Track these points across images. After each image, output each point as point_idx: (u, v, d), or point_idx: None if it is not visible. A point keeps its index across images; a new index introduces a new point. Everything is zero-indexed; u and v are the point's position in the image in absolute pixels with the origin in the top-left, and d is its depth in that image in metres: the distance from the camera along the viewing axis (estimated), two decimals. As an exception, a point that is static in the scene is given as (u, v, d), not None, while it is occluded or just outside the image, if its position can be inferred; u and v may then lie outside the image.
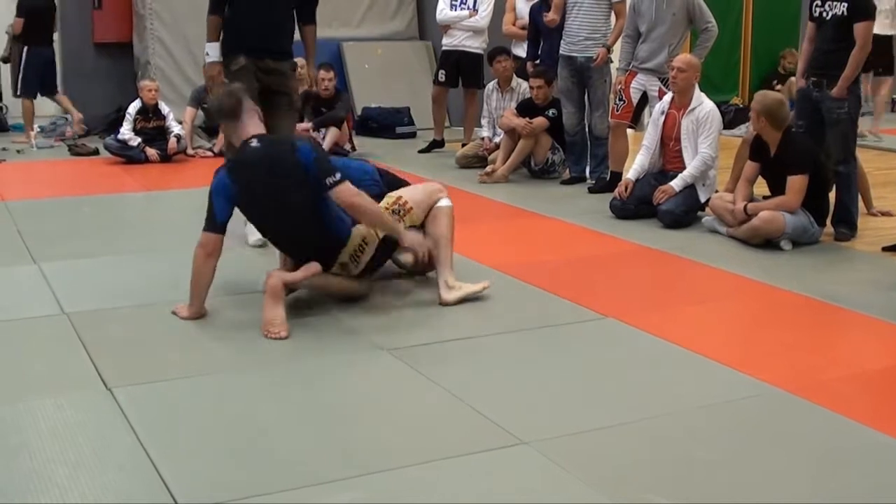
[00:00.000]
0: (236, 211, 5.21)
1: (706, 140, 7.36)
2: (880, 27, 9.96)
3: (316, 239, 5.21)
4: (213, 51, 6.49)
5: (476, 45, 10.64)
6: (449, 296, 5.38)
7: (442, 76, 10.81)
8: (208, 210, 5.12)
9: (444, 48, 10.85)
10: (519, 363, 4.59)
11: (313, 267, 5.17)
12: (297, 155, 5.09)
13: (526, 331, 5.03)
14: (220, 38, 6.55)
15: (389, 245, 5.39)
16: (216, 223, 5.08)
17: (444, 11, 10.61)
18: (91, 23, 12.79)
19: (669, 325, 5.06)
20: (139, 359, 4.59)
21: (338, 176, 5.05)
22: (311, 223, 5.17)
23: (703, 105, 7.45)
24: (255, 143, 5.18)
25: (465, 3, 10.52)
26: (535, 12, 9.85)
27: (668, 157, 7.62)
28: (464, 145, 10.59)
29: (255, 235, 6.49)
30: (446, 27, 10.69)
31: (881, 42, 10.70)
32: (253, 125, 5.26)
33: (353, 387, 4.35)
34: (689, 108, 7.44)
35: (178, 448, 3.65)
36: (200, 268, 5.09)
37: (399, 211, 5.45)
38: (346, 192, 5.07)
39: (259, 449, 3.64)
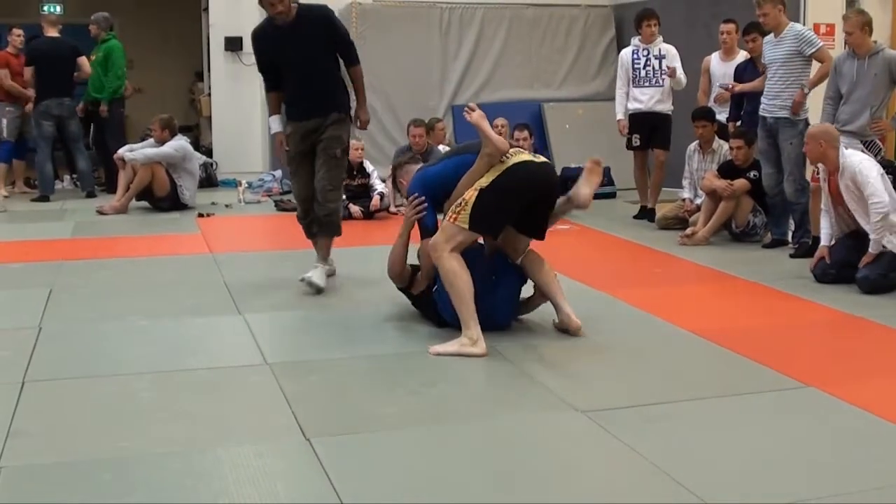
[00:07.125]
0: None
1: (868, 192, 7.08)
2: None
3: None
4: (273, 123, 7.38)
5: (666, 107, 10.40)
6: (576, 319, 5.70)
7: (637, 141, 10.48)
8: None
9: (630, 112, 10.43)
10: (717, 430, 4.47)
11: None
12: None
13: (724, 397, 4.92)
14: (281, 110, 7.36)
15: None
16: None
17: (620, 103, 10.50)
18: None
19: (873, 396, 4.86)
20: (338, 410, 4.68)
21: None
22: None
23: (849, 162, 7.20)
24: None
25: (652, 75, 10.33)
26: (740, 72, 9.73)
27: (847, 219, 7.41)
28: (647, 209, 10.54)
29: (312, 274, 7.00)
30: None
31: None
32: None
33: (549, 449, 4.31)
34: (840, 171, 7.22)
35: (373, 501, 3.69)
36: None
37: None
38: None
39: (451, 506, 3.65)
